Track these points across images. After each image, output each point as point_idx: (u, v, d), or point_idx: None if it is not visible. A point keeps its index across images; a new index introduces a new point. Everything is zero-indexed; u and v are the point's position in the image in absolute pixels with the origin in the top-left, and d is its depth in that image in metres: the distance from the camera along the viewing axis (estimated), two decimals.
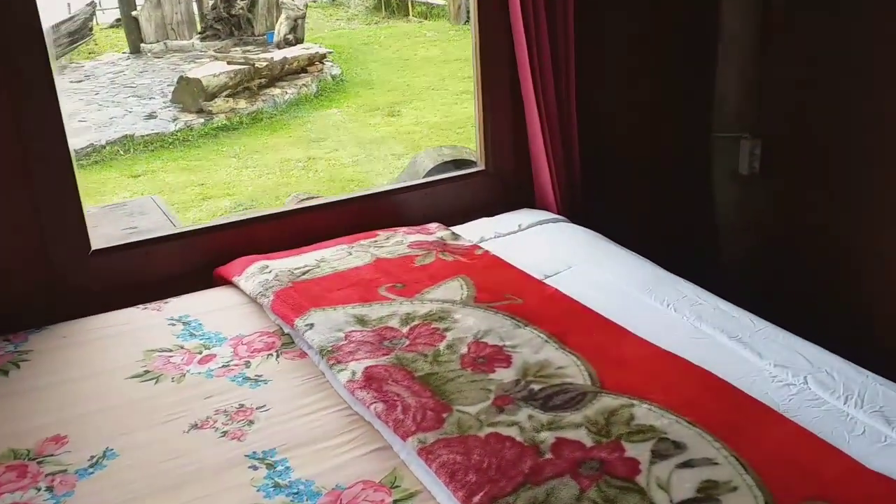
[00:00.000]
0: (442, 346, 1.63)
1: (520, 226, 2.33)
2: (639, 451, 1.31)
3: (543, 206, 2.49)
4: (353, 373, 1.54)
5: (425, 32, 9.41)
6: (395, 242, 2.14)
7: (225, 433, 1.47)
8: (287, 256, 2.07)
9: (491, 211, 2.45)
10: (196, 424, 1.50)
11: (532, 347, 1.62)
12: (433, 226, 2.27)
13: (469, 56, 2.51)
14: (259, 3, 8.85)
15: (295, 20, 8.47)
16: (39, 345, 1.79)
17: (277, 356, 1.72)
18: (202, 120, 6.72)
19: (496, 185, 2.54)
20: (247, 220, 2.30)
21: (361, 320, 1.74)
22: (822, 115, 2.42)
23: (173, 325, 1.85)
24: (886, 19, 2.24)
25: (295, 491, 1.31)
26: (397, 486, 1.32)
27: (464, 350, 1.62)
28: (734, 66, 2.59)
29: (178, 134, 6.52)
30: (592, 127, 2.55)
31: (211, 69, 7.22)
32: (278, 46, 8.21)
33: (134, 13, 8.92)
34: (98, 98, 7.22)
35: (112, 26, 9.80)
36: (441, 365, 1.57)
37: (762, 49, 2.53)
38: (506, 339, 1.65)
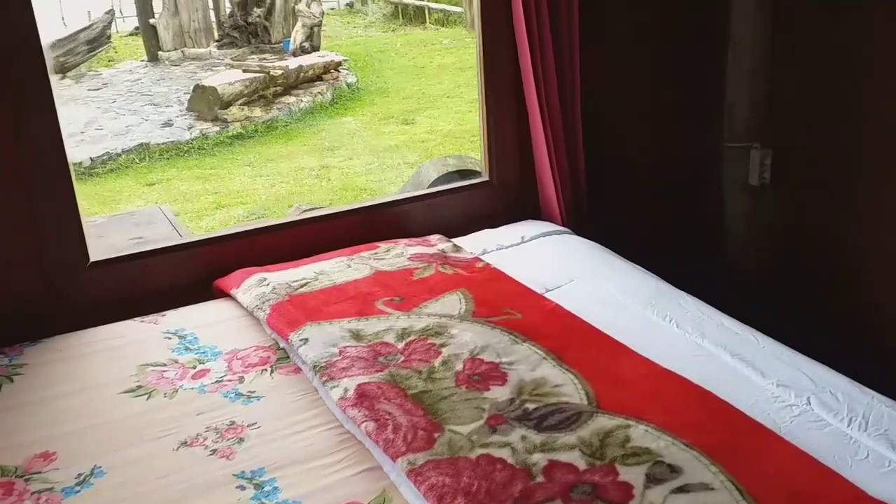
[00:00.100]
0: (437, 362, 1.61)
1: (523, 238, 2.29)
2: (633, 474, 1.27)
3: (548, 218, 2.45)
4: (346, 390, 1.52)
5: (441, 40, 9.42)
6: (395, 255, 2.11)
7: (214, 451, 1.45)
8: (286, 269, 2.05)
9: (495, 222, 2.42)
10: (186, 442, 1.48)
11: (529, 364, 1.59)
12: (434, 237, 2.25)
13: None
14: (276, 10, 8.89)
15: (311, 28, 8.50)
16: (34, 358, 1.78)
17: (272, 371, 1.70)
18: (217, 128, 6.75)
19: (500, 196, 2.51)
20: (248, 231, 2.28)
21: (357, 335, 1.71)
22: (834, 125, 2.37)
23: (169, 338, 1.84)
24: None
25: None
26: None
27: (459, 367, 1.59)
28: (743, 74, 2.54)
29: (194, 142, 6.56)
30: (597, 137, 2.51)
31: (226, 77, 7.26)
32: (294, 54, 8.24)
33: (152, 21, 8.99)
34: (115, 106, 7.26)
35: (131, 34, 9.90)
36: (435, 382, 1.54)
37: (772, 58, 2.48)
38: (503, 355, 1.62)
